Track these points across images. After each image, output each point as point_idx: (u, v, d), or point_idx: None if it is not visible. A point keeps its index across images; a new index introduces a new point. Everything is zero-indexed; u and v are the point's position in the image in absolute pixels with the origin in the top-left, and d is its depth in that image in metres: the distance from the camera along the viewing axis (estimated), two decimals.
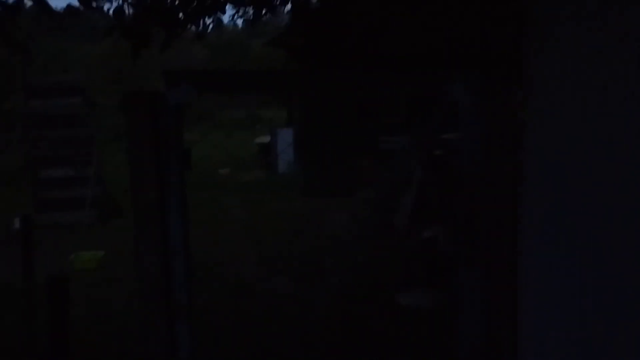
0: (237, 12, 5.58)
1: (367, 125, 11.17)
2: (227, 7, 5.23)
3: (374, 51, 5.49)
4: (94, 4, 4.35)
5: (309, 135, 11.57)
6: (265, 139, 14.72)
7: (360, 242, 7.34)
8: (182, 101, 2.31)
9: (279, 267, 6.53)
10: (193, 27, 5.36)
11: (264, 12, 5.52)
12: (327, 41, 5.72)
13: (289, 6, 6.16)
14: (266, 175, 13.86)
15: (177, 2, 4.77)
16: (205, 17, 4.99)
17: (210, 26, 5.45)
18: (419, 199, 7.21)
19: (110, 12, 4.51)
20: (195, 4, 4.90)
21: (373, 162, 10.94)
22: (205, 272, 6.13)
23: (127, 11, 4.53)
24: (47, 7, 4.04)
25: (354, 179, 11.01)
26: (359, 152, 11.03)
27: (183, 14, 4.94)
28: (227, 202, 11.20)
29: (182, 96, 2.29)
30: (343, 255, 6.80)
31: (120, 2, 4.57)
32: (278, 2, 5.65)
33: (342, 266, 6.32)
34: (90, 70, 32.56)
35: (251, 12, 5.55)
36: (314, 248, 7.18)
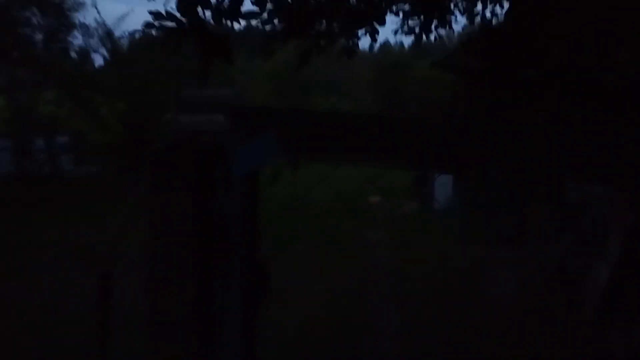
0: (402, 25, 4.38)
1: (548, 163, 9.35)
2: (386, 17, 4.05)
3: (592, 80, 3.99)
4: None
5: None
6: None
7: (534, 320, 5.69)
8: (257, 167, 1.13)
9: (426, 344, 5.14)
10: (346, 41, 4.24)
11: (433, 25, 4.28)
12: (516, 64, 4.31)
13: (463, 20, 4.85)
14: (420, 208, 12.45)
15: (319, 9, 3.68)
16: (356, 29, 3.85)
17: (362, 40, 4.27)
18: (619, 274, 5.40)
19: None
20: (344, 12, 3.78)
21: (551, 208, 9.10)
22: (330, 341, 4.95)
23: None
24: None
25: (524, 227, 9.24)
26: (533, 193, 9.25)
27: (328, 23, 3.85)
28: (372, 238, 10.00)
29: (257, 158, 1.11)
30: (511, 339, 5.23)
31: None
32: (450, 11, 4.37)
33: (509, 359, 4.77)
34: (258, 85, 33.52)
35: (417, 25, 4.31)
36: (472, 321, 5.68)
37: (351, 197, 15.02)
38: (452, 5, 4.30)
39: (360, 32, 3.87)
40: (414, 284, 6.96)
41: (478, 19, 4.75)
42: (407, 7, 4.10)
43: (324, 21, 3.80)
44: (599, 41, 4.79)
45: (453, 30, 4.99)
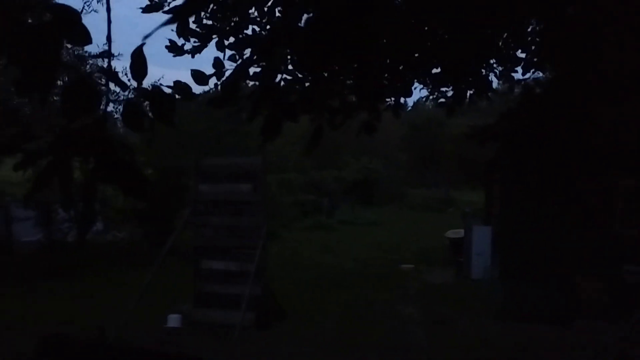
0: (433, 94, 3.91)
1: (600, 234, 8.58)
2: (413, 88, 3.58)
3: None
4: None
5: (513, 236, 9.28)
6: (458, 233, 12.57)
7: None
8: None
9: None
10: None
11: (468, 95, 3.81)
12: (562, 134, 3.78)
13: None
14: (456, 278, 11.66)
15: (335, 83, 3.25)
16: (378, 103, 3.38)
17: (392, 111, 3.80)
18: None
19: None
20: (364, 85, 3.35)
21: (600, 284, 8.27)
22: None
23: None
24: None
25: (572, 305, 8.37)
26: (580, 267, 8.42)
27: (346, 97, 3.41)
28: (403, 313, 9.25)
29: None
30: None
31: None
32: (487, 80, 3.88)
33: None
34: (289, 146, 33.43)
35: (449, 94, 3.83)
36: None
37: (385, 263, 14.33)
38: (487, 72, 3.82)
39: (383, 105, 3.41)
40: None
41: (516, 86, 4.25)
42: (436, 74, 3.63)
43: (341, 95, 3.36)
44: None
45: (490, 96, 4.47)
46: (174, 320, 7.98)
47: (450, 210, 27.73)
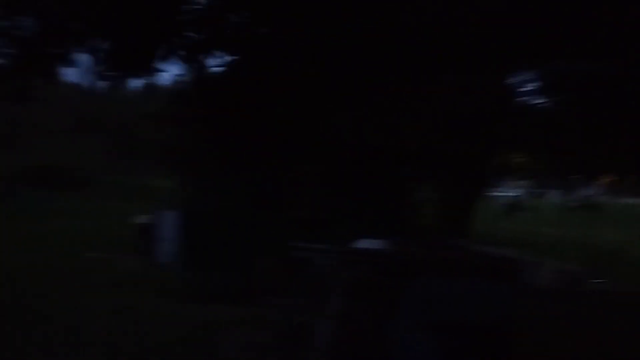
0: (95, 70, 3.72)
1: (274, 217, 9.34)
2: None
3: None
4: None
5: (200, 220, 9.56)
6: (146, 218, 12.41)
7: None
8: None
9: None
10: None
11: (128, 74, 3.73)
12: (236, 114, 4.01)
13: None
14: (143, 264, 11.50)
15: None
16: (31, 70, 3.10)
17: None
18: (338, 335, 5.42)
19: None
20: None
21: (281, 262, 9.03)
22: None
23: None
24: None
25: (253, 284, 9.00)
26: (263, 248, 9.10)
27: None
28: (85, 304, 8.70)
29: None
30: None
31: None
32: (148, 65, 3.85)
33: None
34: None
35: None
36: None
37: (69, 253, 13.30)
38: (158, 56, 3.79)
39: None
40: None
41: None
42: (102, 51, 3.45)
43: None
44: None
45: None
46: None
47: (144, 197, 27.31)
